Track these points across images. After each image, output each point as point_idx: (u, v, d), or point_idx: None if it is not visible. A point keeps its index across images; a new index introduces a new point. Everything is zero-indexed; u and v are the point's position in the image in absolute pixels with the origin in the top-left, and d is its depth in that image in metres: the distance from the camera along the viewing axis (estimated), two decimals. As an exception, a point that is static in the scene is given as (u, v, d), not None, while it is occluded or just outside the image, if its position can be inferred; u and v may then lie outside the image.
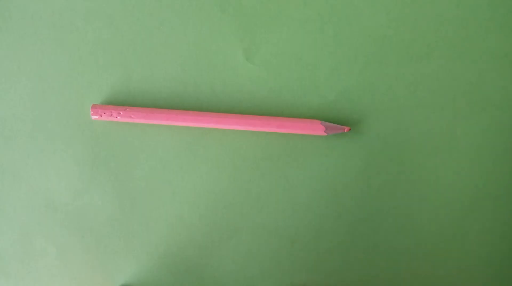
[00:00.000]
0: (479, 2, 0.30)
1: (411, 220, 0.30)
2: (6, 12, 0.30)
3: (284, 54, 0.30)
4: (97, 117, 0.28)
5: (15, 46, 0.30)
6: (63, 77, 0.30)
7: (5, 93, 0.30)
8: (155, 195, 0.30)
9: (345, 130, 0.28)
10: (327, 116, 0.30)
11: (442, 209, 0.30)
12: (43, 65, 0.30)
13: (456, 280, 0.30)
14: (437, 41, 0.30)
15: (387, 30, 0.30)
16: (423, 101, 0.30)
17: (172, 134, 0.30)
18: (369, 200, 0.30)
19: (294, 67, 0.30)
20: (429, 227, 0.30)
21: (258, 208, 0.30)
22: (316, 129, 0.28)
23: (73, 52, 0.30)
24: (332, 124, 0.28)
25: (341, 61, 0.30)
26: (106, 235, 0.30)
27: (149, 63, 0.30)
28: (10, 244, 0.30)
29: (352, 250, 0.30)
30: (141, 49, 0.30)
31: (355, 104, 0.30)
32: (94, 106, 0.28)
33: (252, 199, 0.30)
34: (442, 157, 0.30)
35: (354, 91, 0.30)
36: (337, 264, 0.30)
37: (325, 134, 0.28)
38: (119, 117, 0.28)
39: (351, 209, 0.30)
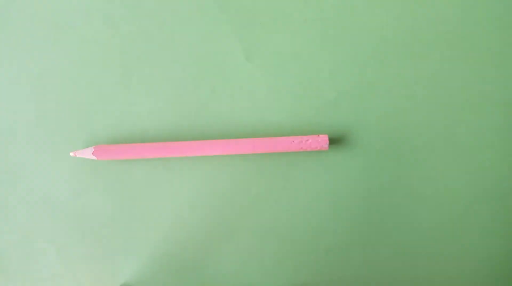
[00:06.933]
0: (479, 2, 0.30)
1: (411, 220, 0.30)
2: (6, 12, 0.30)
3: (284, 54, 0.30)
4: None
5: (15, 46, 0.30)
6: (63, 77, 0.30)
7: (5, 93, 0.30)
8: (155, 195, 0.30)
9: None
10: (327, 116, 0.30)
11: (442, 210, 0.30)
12: (43, 65, 0.30)
13: (456, 280, 0.30)
14: (437, 41, 0.30)
15: (387, 30, 0.30)
16: (423, 101, 0.30)
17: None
18: (369, 200, 0.30)
19: (294, 67, 0.30)
20: (429, 228, 0.30)
21: (258, 208, 0.30)
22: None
23: (73, 52, 0.30)
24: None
25: (341, 61, 0.30)
26: (106, 235, 0.30)
27: (149, 63, 0.30)
28: (10, 244, 0.30)
29: (352, 251, 0.30)
30: (141, 49, 0.30)
31: (355, 104, 0.30)
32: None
33: (252, 200, 0.30)
34: (442, 157, 0.30)
35: (354, 91, 0.30)
36: (337, 264, 0.30)
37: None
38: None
39: (352, 210, 0.30)
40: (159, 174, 0.30)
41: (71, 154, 0.28)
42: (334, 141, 0.30)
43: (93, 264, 0.30)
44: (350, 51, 0.30)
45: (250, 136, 0.30)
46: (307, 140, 0.28)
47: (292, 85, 0.30)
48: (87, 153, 0.28)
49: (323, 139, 0.28)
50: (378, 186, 0.30)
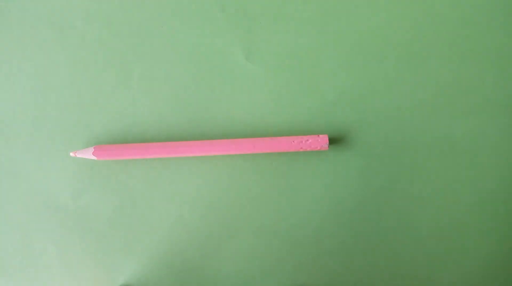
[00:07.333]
0: (479, 2, 0.30)
1: (411, 220, 0.30)
2: (6, 12, 0.30)
3: (284, 54, 0.30)
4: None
5: (15, 46, 0.30)
6: (62, 77, 0.30)
7: (5, 93, 0.30)
8: (155, 195, 0.30)
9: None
10: (327, 116, 0.30)
11: (442, 210, 0.30)
12: (43, 65, 0.30)
13: (456, 282, 0.30)
14: (437, 41, 0.30)
15: (388, 30, 0.30)
16: (423, 101, 0.30)
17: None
18: (369, 201, 0.30)
19: (294, 67, 0.30)
20: (429, 229, 0.30)
21: (258, 208, 0.30)
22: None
23: (73, 52, 0.30)
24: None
25: (341, 61, 0.30)
26: (106, 235, 0.30)
27: (149, 63, 0.30)
28: (10, 244, 0.30)
29: (352, 251, 0.30)
30: (141, 49, 0.30)
31: (355, 104, 0.30)
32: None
33: (252, 200, 0.30)
34: (442, 157, 0.30)
35: (354, 91, 0.30)
36: (337, 265, 0.30)
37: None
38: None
39: (352, 210, 0.30)
40: (159, 174, 0.30)
41: (71, 154, 0.29)
42: (334, 141, 0.30)
43: (93, 264, 0.30)
44: (350, 51, 0.30)
45: (250, 136, 0.30)
46: (307, 140, 0.28)
47: (292, 85, 0.30)
48: (87, 153, 0.28)
49: (323, 139, 0.28)
50: (378, 186, 0.30)
